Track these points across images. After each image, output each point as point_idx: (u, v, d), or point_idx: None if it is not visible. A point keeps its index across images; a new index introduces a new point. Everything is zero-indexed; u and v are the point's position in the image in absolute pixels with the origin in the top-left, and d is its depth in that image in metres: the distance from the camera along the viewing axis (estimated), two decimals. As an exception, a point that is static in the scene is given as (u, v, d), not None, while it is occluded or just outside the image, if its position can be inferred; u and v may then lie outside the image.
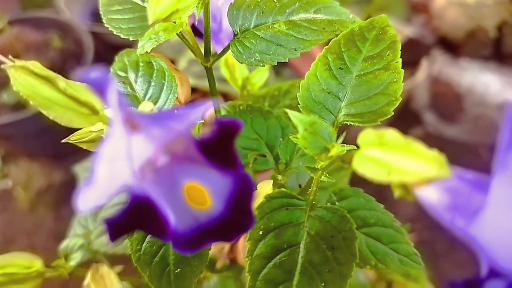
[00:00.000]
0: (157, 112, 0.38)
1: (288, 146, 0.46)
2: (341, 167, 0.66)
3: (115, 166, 0.20)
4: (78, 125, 0.33)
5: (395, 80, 0.38)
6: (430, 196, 0.23)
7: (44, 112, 0.32)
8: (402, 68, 0.39)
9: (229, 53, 0.46)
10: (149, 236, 0.39)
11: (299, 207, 0.36)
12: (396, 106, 0.36)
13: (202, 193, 0.25)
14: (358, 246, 0.46)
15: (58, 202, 1.80)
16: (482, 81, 2.10)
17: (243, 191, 0.25)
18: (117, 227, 0.22)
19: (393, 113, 0.36)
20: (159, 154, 0.24)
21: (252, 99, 0.64)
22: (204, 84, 1.14)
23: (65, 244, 0.58)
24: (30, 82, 0.32)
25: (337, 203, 0.47)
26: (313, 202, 0.36)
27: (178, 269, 0.39)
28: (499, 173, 0.19)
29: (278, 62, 0.42)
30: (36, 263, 0.55)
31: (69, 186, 1.79)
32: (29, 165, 1.94)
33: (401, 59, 0.39)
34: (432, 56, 2.04)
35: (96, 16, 1.95)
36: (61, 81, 0.32)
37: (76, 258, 0.57)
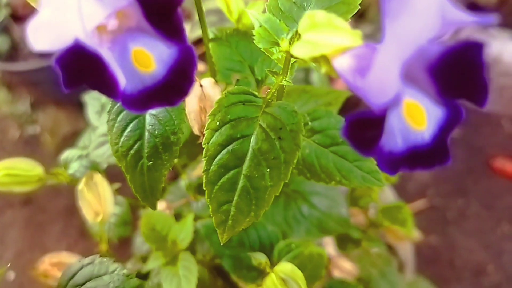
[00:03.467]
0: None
1: (264, 64, 0.49)
2: (329, 103, 0.68)
3: (65, 15, 0.24)
4: None
5: (356, -9, 0.40)
6: (343, 63, 0.26)
7: None
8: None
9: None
10: (127, 131, 0.43)
11: (255, 103, 0.39)
12: (354, 13, 0.38)
13: (147, 58, 0.28)
14: (325, 164, 0.49)
15: (81, 148, 1.89)
16: (511, 50, 2.01)
17: (185, 59, 0.28)
18: (67, 70, 0.25)
19: (349, 20, 0.38)
20: (110, 19, 0.27)
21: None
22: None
23: (65, 155, 0.63)
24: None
25: (310, 123, 0.50)
26: (269, 101, 0.39)
27: (151, 162, 0.43)
28: (385, 33, 0.21)
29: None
30: (38, 169, 0.60)
31: (92, 134, 1.87)
32: (56, 112, 2.04)
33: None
34: (460, 21, 1.96)
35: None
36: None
37: (74, 168, 0.62)
